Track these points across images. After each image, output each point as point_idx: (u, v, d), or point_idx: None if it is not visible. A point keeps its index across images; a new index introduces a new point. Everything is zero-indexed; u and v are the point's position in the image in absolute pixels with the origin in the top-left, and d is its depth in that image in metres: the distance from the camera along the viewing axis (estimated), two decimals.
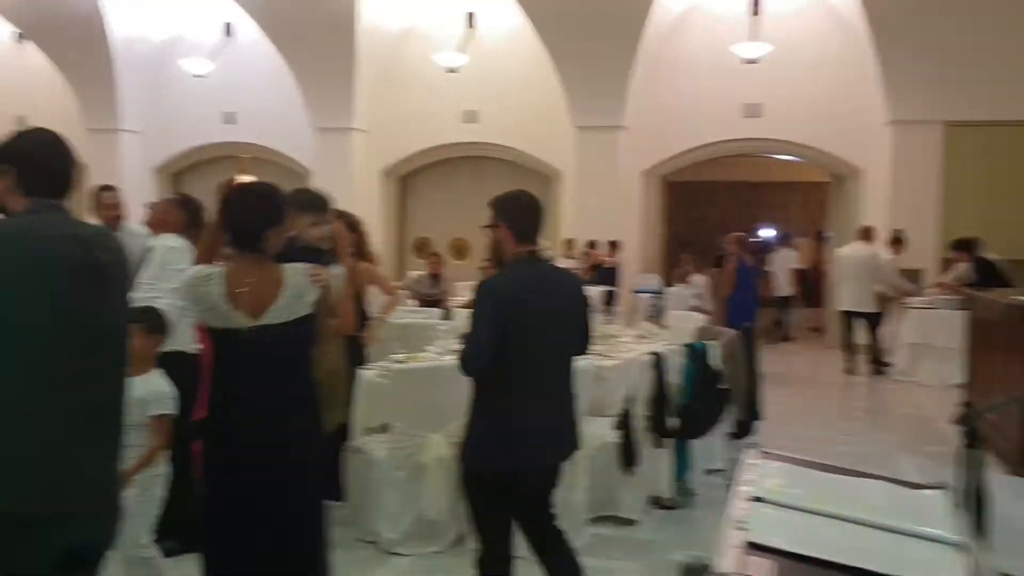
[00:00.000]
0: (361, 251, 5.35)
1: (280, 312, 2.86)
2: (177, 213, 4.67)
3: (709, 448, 5.42)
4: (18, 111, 14.01)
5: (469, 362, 3.03)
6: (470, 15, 12.61)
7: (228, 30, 13.20)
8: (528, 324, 3.02)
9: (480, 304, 3.04)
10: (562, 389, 3.19)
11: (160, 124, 13.55)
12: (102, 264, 2.34)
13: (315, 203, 4.06)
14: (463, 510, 3.26)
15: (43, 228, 2.27)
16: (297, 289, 2.89)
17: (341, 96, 12.31)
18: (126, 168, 13.22)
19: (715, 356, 5.19)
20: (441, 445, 4.11)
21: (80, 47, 12.44)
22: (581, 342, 3.26)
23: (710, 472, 5.42)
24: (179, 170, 14.28)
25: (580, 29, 10.84)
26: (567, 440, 3.22)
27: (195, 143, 13.73)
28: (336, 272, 3.17)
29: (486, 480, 3.09)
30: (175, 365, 3.82)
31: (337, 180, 11.35)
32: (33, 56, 13.42)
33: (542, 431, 3.11)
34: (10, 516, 2.17)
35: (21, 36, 13.51)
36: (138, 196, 13.32)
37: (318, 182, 12.25)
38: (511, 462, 3.07)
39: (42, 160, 2.35)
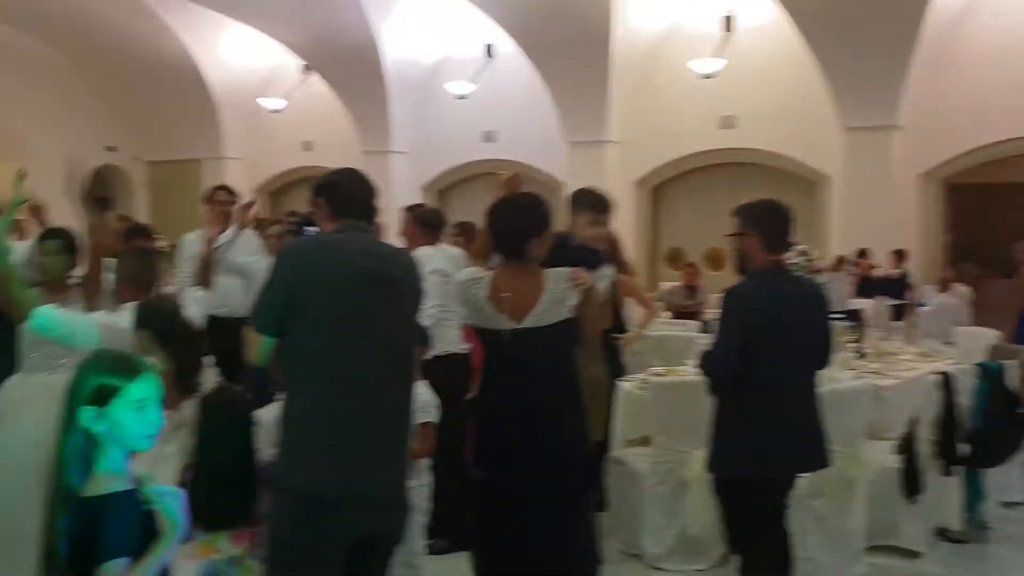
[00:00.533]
0: (617, 262, 5.32)
1: (541, 316, 2.96)
2: (413, 226, 4.89)
3: (1005, 478, 4.89)
4: (305, 136, 15.39)
5: (712, 368, 3.14)
6: (727, 18, 12.30)
7: (489, 51, 13.72)
8: (773, 333, 3.05)
9: (727, 311, 3.11)
10: (807, 400, 3.17)
11: (426, 144, 14.35)
12: (396, 277, 2.65)
13: (596, 203, 4.09)
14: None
15: (348, 242, 2.63)
16: (557, 294, 2.98)
17: (595, 109, 12.43)
18: (396, 187, 14.07)
19: (1012, 377, 4.67)
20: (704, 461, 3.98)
21: (357, 75, 13.43)
22: (823, 355, 3.24)
23: (1007, 505, 4.92)
24: (445, 187, 15.03)
25: (848, 24, 10.23)
26: (813, 452, 3.18)
27: (458, 162, 14.38)
28: (605, 273, 3.21)
29: (736, 487, 3.11)
30: (447, 366, 4.04)
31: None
32: (316, 85, 14.66)
33: (787, 441, 3.11)
34: (315, 499, 2.45)
35: (307, 68, 14.81)
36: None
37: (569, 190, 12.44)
38: (760, 469, 3.08)
39: (348, 191, 2.75)
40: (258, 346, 2.60)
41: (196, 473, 2.53)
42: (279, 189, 16.62)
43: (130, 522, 1.78)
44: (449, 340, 4.49)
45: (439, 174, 14.70)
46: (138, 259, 3.71)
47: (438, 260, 4.66)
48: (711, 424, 3.20)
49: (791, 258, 3.41)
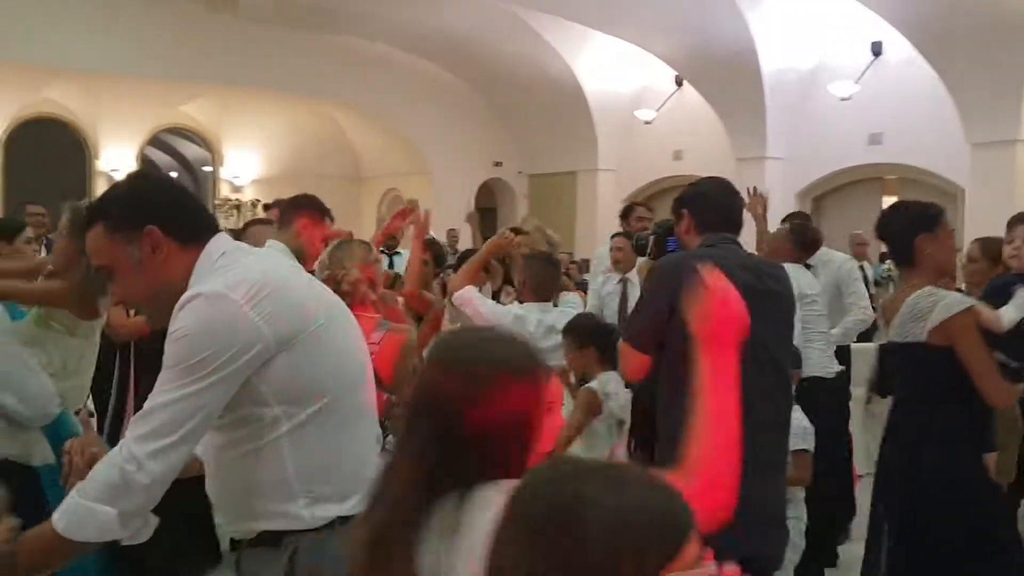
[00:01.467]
0: None
1: (896, 331, 2.79)
2: (785, 244, 4.60)
3: None
4: (677, 146, 15.53)
5: None
6: None
7: (875, 50, 12.90)
8: None
9: None
10: None
11: (803, 150, 13.78)
12: (772, 292, 2.54)
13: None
14: None
15: (722, 257, 2.46)
16: (911, 312, 2.75)
17: (1006, 108, 11.13)
18: (771, 194, 13.69)
19: None
20: None
21: (733, 84, 13.28)
22: None
23: None
24: (821, 194, 14.36)
25: (966, 44, 10.36)
26: None
27: (837, 167, 13.65)
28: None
29: None
30: (813, 390, 3.85)
31: (996, 198, 10.30)
32: (689, 95, 14.74)
33: None
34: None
35: (679, 80, 14.95)
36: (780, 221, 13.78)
37: (973, 201, 11.27)
38: None
39: (714, 201, 2.65)
40: (634, 363, 2.58)
41: None
42: (648, 198, 16.92)
43: None
44: (815, 363, 4.29)
45: (816, 180, 14.05)
46: (545, 265, 3.95)
47: (804, 282, 4.44)
48: None
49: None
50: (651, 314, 2.51)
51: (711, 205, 2.63)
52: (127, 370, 4.52)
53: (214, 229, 1.88)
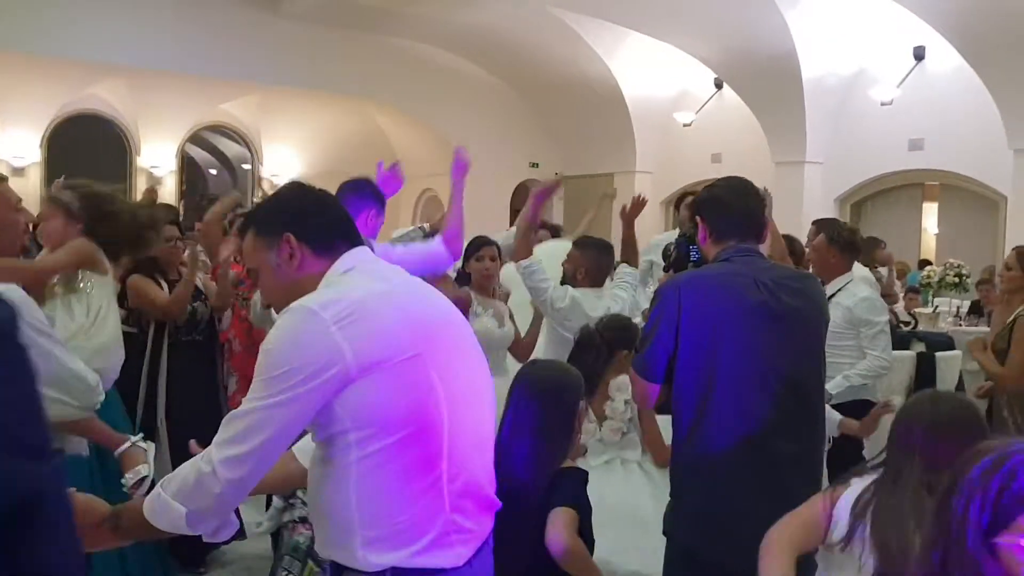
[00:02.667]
0: None
1: None
2: (829, 249, 4.48)
3: None
4: (715, 149, 15.44)
5: None
6: None
7: (918, 54, 12.73)
8: None
9: None
10: None
11: (842, 154, 13.63)
12: (791, 311, 2.35)
13: None
14: None
15: (733, 276, 2.36)
16: None
17: None
18: (808, 199, 13.57)
19: None
20: None
21: (773, 87, 13.17)
22: None
23: None
24: (860, 199, 14.20)
25: (1011, 50, 9.97)
26: None
27: (877, 172, 13.49)
28: None
29: None
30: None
31: None
32: (728, 97, 14.64)
33: None
34: (704, 562, 2.29)
35: (719, 82, 14.86)
36: None
37: (1015, 208, 11.08)
38: None
39: (729, 206, 2.46)
40: (644, 391, 2.44)
41: None
42: None
43: None
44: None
45: (855, 186, 13.89)
46: (602, 252, 4.06)
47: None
48: None
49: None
50: (655, 342, 2.37)
51: (726, 210, 2.46)
52: (158, 356, 4.63)
53: (352, 241, 1.90)
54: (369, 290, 1.80)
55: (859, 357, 4.28)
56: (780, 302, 2.32)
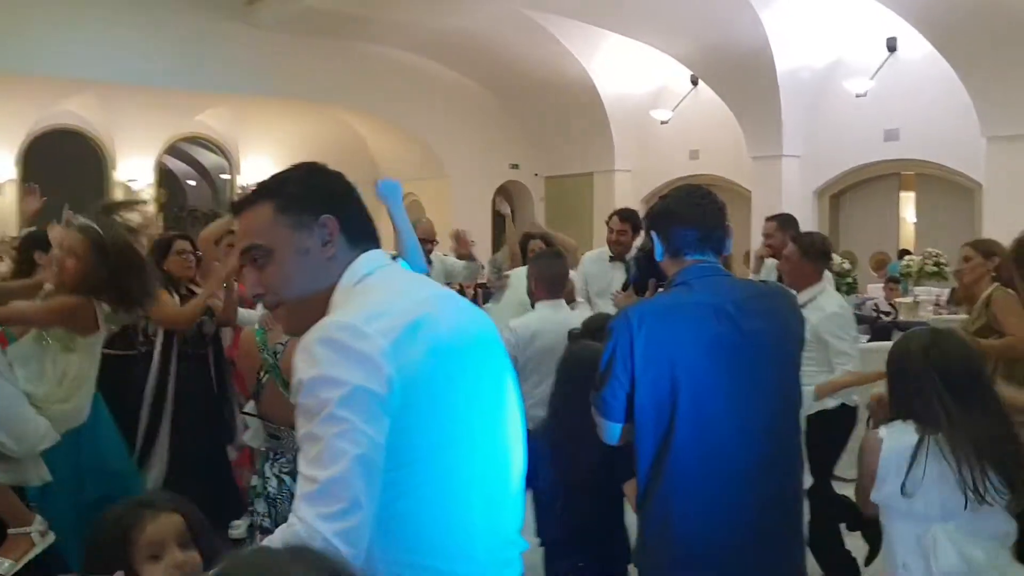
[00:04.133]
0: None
1: None
2: (800, 260, 4.37)
3: None
4: (693, 146, 15.49)
5: None
6: None
7: (890, 45, 12.81)
8: None
9: None
10: None
11: (819, 147, 13.71)
12: (757, 335, 2.16)
13: None
14: None
15: (692, 305, 2.17)
16: None
17: (1022, 102, 11.02)
18: (787, 192, 13.63)
19: None
20: None
21: (748, 83, 13.24)
22: None
23: None
24: (838, 191, 14.28)
25: (982, 39, 10.07)
26: None
27: (854, 163, 13.57)
28: None
29: None
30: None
31: (1013, 193, 10.24)
32: (704, 94, 14.70)
33: None
34: None
35: (695, 79, 14.91)
36: (800, 221, 13.70)
37: (990, 196, 11.16)
38: None
39: (684, 218, 2.27)
40: (608, 432, 2.25)
41: None
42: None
43: None
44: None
45: (833, 178, 13.96)
46: (554, 261, 4.02)
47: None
48: None
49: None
50: (612, 380, 2.18)
51: (680, 222, 2.25)
52: (167, 366, 4.62)
53: (376, 240, 1.70)
54: (418, 297, 1.61)
55: (827, 369, 4.12)
56: (742, 331, 2.14)
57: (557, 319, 3.79)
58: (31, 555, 2.56)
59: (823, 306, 4.19)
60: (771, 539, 2.16)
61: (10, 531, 2.56)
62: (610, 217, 5.29)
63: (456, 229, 7.05)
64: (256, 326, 2.89)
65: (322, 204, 1.62)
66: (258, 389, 2.76)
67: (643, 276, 2.64)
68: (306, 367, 1.47)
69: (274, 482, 2.66)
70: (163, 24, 13.54)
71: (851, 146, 13.36)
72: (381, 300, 1.55)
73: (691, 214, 2.28)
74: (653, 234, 2.34)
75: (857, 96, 12.84)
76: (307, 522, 1.39)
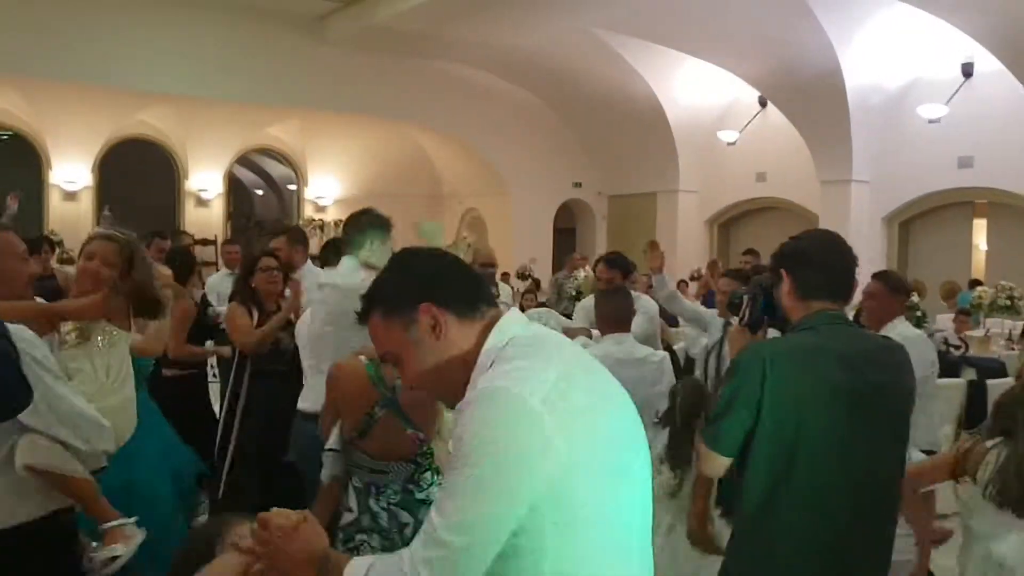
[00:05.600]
0: None
1: None
2: (884, 294, 4.28)
3: None
4: (760, 168, 15.31)
5: None
6: None
7: (966, 70, 12.51)
8: None
9: None
10: None
11: (890, 173, 13.42)
12: (878, 389, 2.21)
13: None
14: None
15: (820, 350, 2.20)
16: None
17: None
18: (855, 218, 13.36)
19: None
20: None
21: (817, 105, 13.03)
22: None
23: None
24: (908, 218, 13.97)
25: None
26: None
27: (926, 190, 13.26)
28: None
29: None
30: None
31: None
32: (773, 116, 14.52)
33: None
34: None
35: (763, 100, 14.74)
36: (868, 246, 13.41)
37: None
38: None
39: (819, 263, 2.29)
40: (711, 465, 2.29)
41: None
42: (729, 220, 16.75)
43: None
44: None
45: (903, 204, 13.66)
46: (613, 297, 4.05)
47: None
48: None
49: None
50: (732, 416, 2.21)
51: (815, 267, 2.28)
52: (240, 382, 4.68)
53: (490, 300, 1.70)
54: (571, 362, 1.61)
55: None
56: (866, 382, 2.18)
57: (619, 354, 3.82)
58: (135, 544, 2.62)
59: (906, 335, 4.17)
60: None
61: (105, 526, 2.62)
62: (596, 263, 5.37)
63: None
64: (364, 359, 2.78)
65: (416, 294, 1.65)
66: (368, 425, 2.67)
67: (760, 315, 2.66)
68: (460, 425, 1.54)
69: (384, 516, 2.67)
70: (238, 40, 13.88)
71: (923, 172, 13.05)
72: (538, 363, 1.56)
73: (825, 259, 2.31)
74: (782, 272, 2.35)
75: (930, 122, 12.55)
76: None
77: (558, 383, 1.51)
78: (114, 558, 2.56)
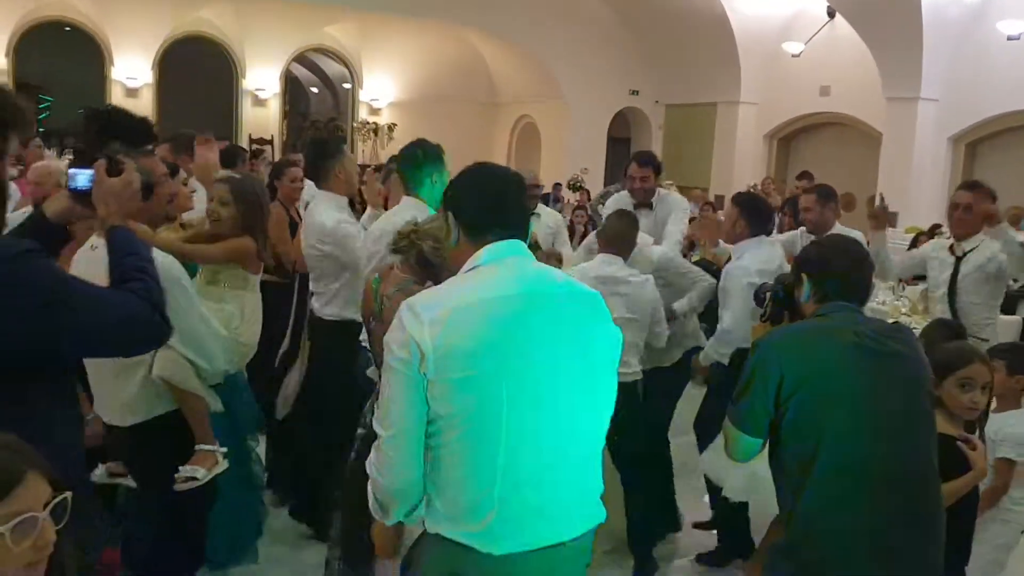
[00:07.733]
0: None
1: None
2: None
3: None
4: (824, 81, 14.86)
5: None
6: None
7: None
8: None
9: None
10: None
11: (960, 91, 12.90)
12: (892, 352, 2.30)
13: None
14: None
15: (829, 328, 2.34)
16: None
17: None
18: (920, 138, 12.99)
19: None
20: None
21: (889, 17, 12.49)
22: None
23: None
24: (975, 139, 13.51)
25: None
26: None
27: (997, 111, 12.73)
28: None
29: None
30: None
31: None
32: (841, 29, 13.99)
33: None
34: None
35: (831, 11, 14.19)
36: (933, 167, 13.05)
37: None
38: None
39: (838, 271, 2.44)
40: (739, 446, 2.40)
41: None
42: (789, 135, 16.37)
43: None
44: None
45: (972, 124, 13.17)
46: (618, 220, 4.11)
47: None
48: None
49: None
50: (752, 397, 2.33)
51: (834, 275, 2.42)
52: (304, 301, 4.82)
53: (505, 232, 1.97)
54: (482, 297, 1.89)
55: (995, 303, 4.49)
56: (884, 346, 2.29)
57: (596, 272, 3.96)
58: (217, 471, 2.82)
59: (991, 246, 4.34)
60: (905, 552, 2.24)
61: (198, 447, 2.82)
62: (628, 163, 5.15)
63: None
64: (375, 274, 3.13)
65: (447, 203, 2.06)
66: (369, 331, 3.12)
67: (780, 309, 2.88)
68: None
69: None
70: None
71: (996, 92, 12.51)
72: (454, 290, 1.92)
73: (845, 266, 2.45)
74: (803, 275, 2.49)
75: (1009, 39, 12.00)
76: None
77: (454, 312, 1.84)
78: (192, 479, 2.75)
